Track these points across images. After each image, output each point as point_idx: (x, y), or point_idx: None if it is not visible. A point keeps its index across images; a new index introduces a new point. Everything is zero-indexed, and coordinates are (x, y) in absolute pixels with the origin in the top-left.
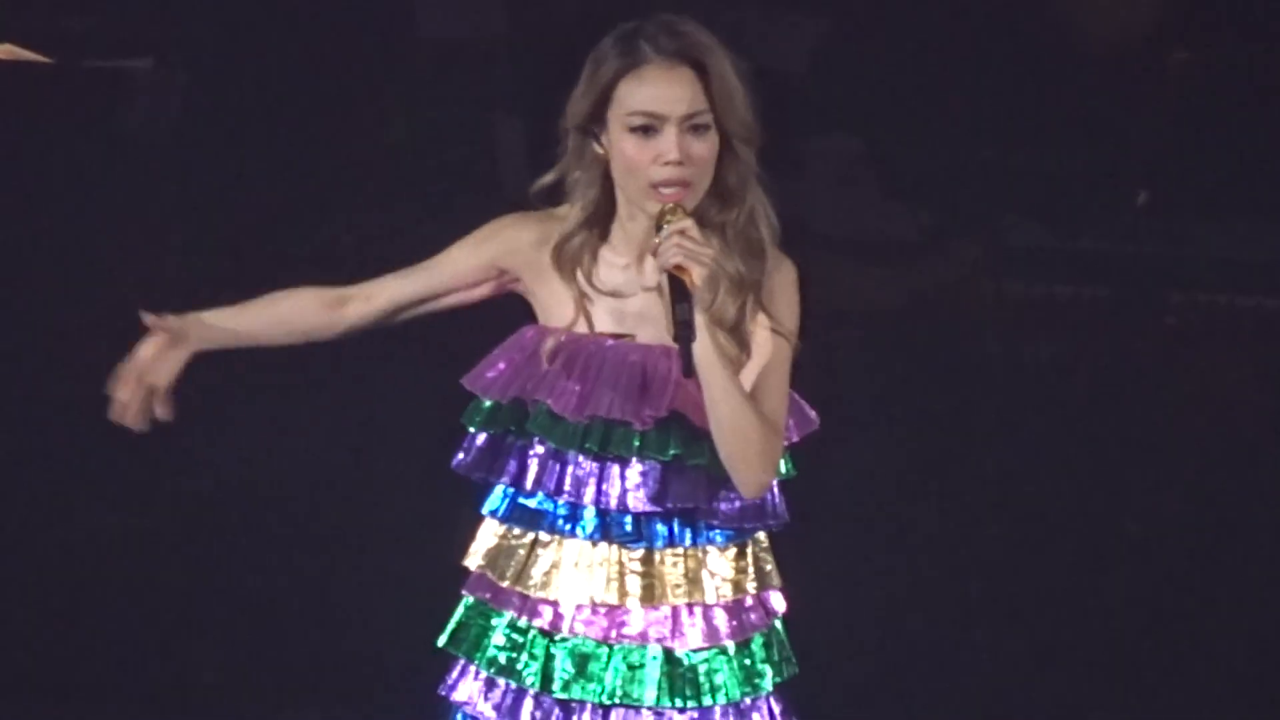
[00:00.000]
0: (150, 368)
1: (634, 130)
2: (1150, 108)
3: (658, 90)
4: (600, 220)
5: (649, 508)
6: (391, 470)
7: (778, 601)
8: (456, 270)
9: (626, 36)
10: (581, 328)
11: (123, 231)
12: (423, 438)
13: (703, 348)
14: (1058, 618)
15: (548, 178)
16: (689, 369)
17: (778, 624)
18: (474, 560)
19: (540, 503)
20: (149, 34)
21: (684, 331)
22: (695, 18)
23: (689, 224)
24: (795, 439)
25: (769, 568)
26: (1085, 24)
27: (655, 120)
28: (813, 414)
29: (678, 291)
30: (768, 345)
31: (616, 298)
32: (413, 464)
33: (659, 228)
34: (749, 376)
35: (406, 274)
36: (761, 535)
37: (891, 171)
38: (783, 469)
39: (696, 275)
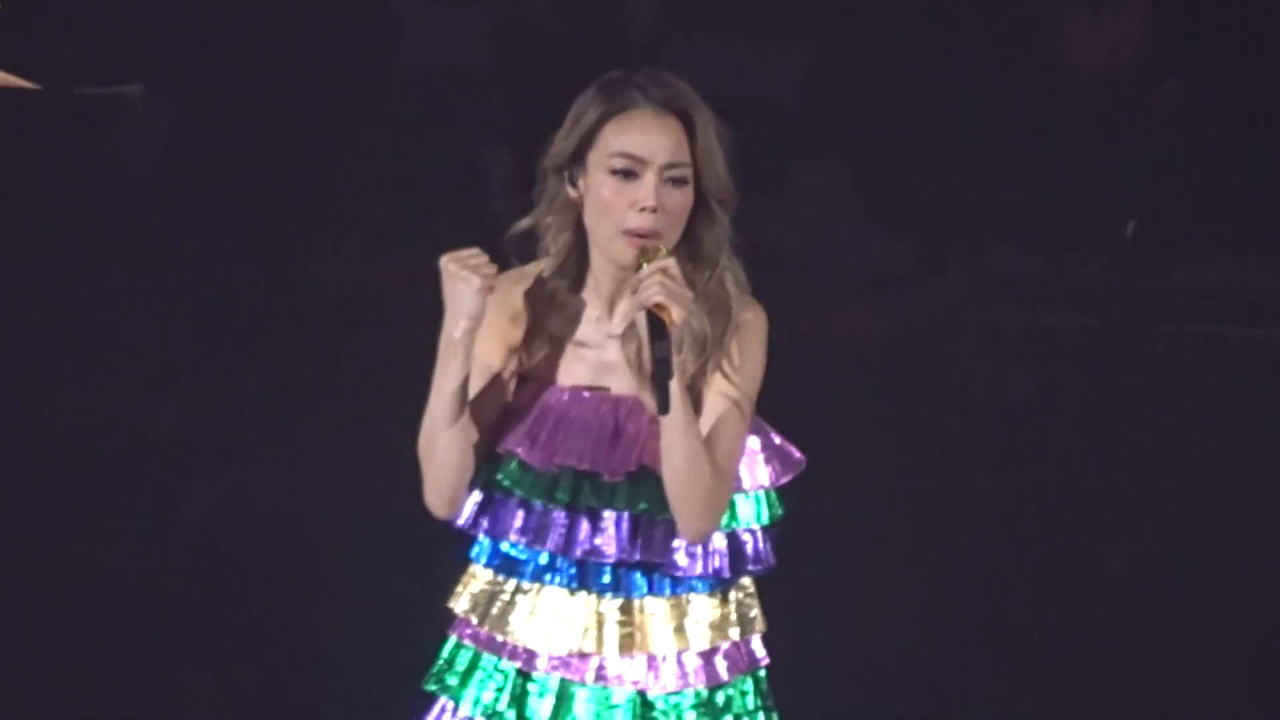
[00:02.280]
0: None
1: (614, 173)
2: (1140, 138)
3: (643, 135)
4: (572, 270)
5: (618, 559)
6: (379, 511)
7: (758, 647)
8: (495, 365)
9: (614, 83)
10: (555, 378)
11: (111, 259)
12: (413, 479)
13: (673, 387)
14: (1049, 647)
15: (523, 223)
16: (665, 405)
17: (760, 671)
18: (459, 604)
19: (520, 551)
20: (139, 61)
21: (661, 369)
22: (683, 45)
23: (671, 263)
24: (780, 481)
25: (753, 613)
26: (1075, 54)
27: (637, 164)
28: (797, 454)
29: (655, 329)
30: (724, 398)
31: (588, 348)
32: (402, 504)
33: (639, 266)
34: (703, 428)
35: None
36: (746, 580)
37: (878, 200)
38: (766, 515)
39: (675, 314)
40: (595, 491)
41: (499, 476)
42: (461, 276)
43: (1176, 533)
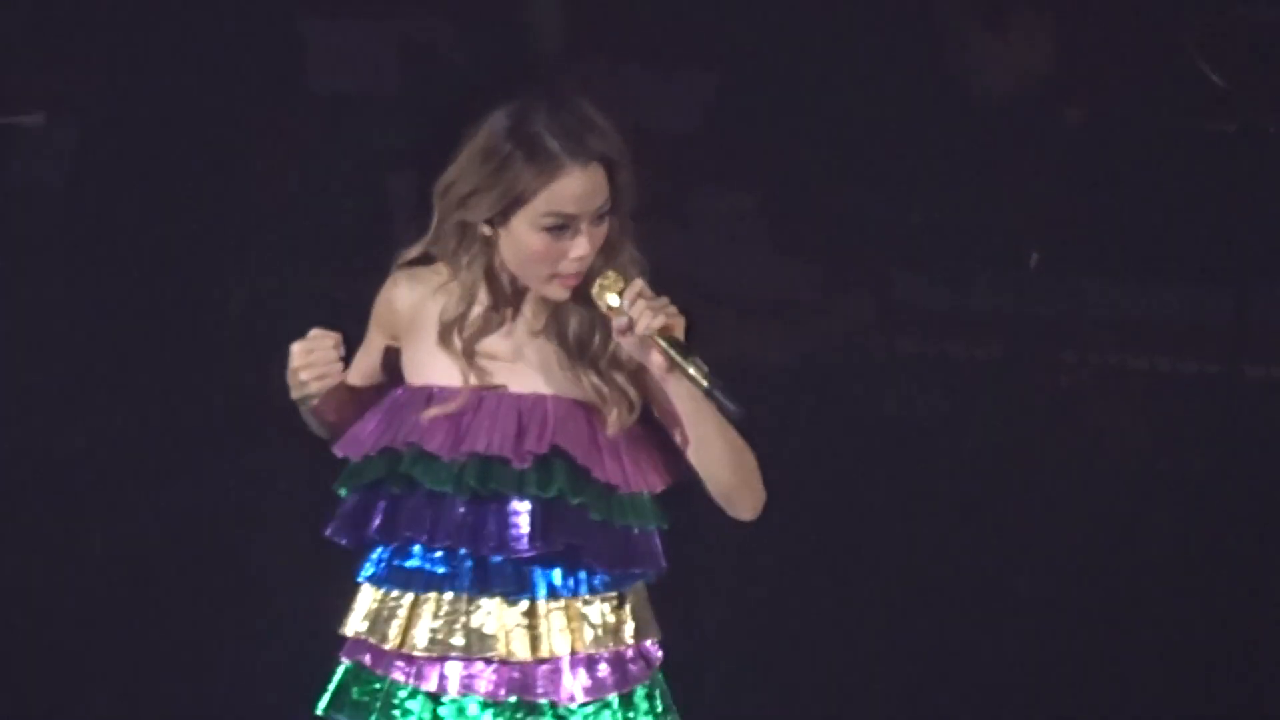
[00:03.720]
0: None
1: (546, 229)
2: (1044, 166)
3: (575, 195)
4: (478, 291)
5: (529, 550)
6: (270, 540)
7: (656, 652)
8: (377, 359)
9: (530, 133)
10: (449, 381)
11: (10, 288)
12: (303, 512)
13: (687, 389)
14: (945, 678)
15: (412, 252)
16: (728, 411)
17: (658, 675)
18: (353, 626)
19: (417, 561)
20: (40, 90)
21: (713, 383)
22: (588, 75)
23: (640, 284)
24: (661, 488)
25: (647, 617)
26: (980, 84)
27: (569, 220)
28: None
29: (680, 350)
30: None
31: (487, 350)
32: (290, 535)
33: (599, 295)
34: (689, 405)
35: (353, 372)
36: (640, 585)
37: (783, 228)
38: (656, 519)
39: (678, 328)
40: (505, 477)
41: (401, 469)
42: (311, 388)
43: (1078, 560)
